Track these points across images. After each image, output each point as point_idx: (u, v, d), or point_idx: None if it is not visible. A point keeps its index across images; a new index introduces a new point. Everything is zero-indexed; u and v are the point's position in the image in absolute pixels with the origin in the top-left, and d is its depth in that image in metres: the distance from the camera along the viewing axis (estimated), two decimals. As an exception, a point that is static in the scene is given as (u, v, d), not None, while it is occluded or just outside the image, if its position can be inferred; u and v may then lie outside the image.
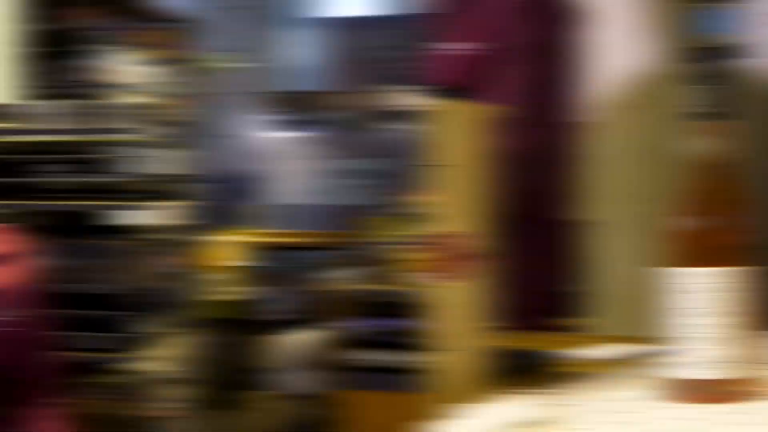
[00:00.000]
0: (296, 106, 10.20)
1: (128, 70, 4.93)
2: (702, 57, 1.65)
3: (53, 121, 3.90)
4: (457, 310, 1.90)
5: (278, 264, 10.38)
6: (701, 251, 1.21)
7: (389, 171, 10.76)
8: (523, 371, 1.78)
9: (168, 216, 4.05)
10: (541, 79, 1.96)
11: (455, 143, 1.88)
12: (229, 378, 7.67)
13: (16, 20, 4.35)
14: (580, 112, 1.92)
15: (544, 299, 1.99)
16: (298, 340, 7.87)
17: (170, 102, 5.58)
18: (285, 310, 8.49)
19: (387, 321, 4.99)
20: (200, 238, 7.25)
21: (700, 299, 1.21)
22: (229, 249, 8.95)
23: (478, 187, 1.88)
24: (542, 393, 1.31)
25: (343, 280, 5.88)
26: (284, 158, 9.00)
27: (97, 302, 3.97)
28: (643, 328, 1.42)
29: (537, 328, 1.95)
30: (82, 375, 4.32)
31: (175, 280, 4.36)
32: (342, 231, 9.18)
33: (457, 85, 1.97)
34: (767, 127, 1.82)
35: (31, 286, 2.16)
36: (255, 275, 8.39)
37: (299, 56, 11.06)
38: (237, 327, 7.85)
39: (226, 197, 11.33)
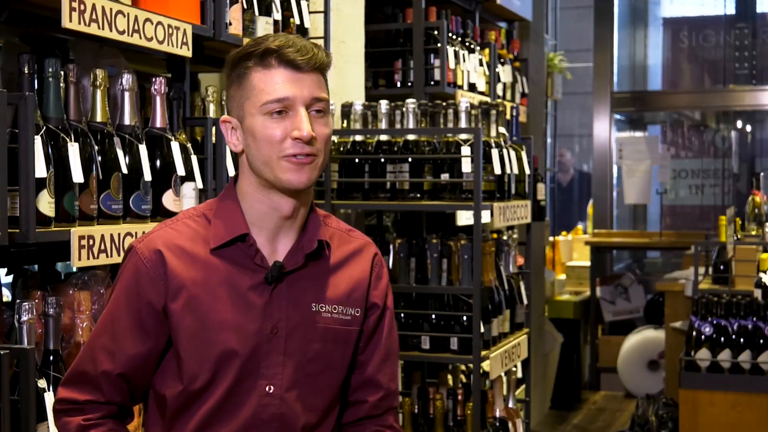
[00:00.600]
0: (640, 105, 9.90)
1: (470, 69, 4.97)
2: None
3: (397, 121, 3.98)
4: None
5: (622, 264, 10.12)
6: None
7: (734, 171, 10.18)
8: None
9: (509, 216, 4.01)
10: None
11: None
12: (571, 377, 7.57)
13: (361, 21, 4.51)
14: None
15: None
16: (641, 340, 7.63)
17: (511, 101, 5.57)
18: (627, 310, 8.25)
19: (734, 321, 4.69)
20: (543, 237, 7.22)
21: None
22: (572, 248, 8.84)
23: None
24: None
25: (689, 279, 5.66)
26: (627, 157, 8.76)
27: (440, 302, 4.00)
28: None
29: None
30: (426, 374, 4.39)
31: (517, 281, 4.33)
32: (686, 231, 8.81)
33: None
34: None
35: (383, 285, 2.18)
36: (598, 275, 8.25)
37: (641, 56, 10.77)
38: (579, 326, 7.74)
39: (569, 197, 11.22)
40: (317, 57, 1.95)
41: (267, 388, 1.98)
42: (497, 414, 4.08)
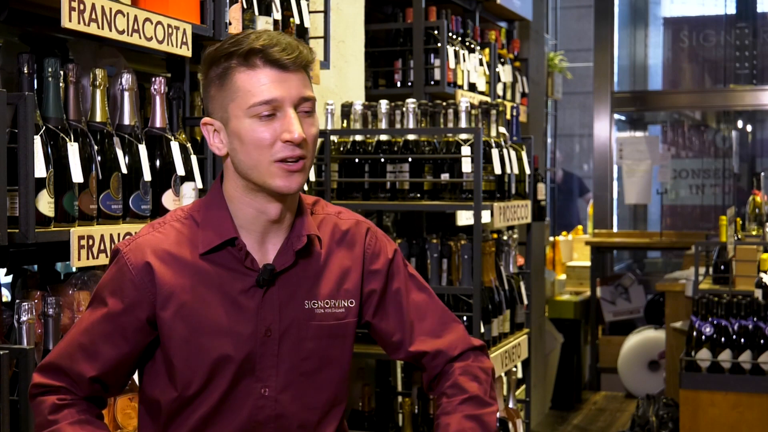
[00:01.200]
0: (639, 105, 9.89)
1: (470, 69, 4.97)
2: None
3: (397, 120, 3.97)
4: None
5: (622, 264, 10.12)
6: None
7: (734, 171, 10.17)
8: None
9: (510, 216, 4.01)
10: None
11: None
12: (572, 378, 7.57)
13: (361, 20, 4.51)
14: None
15: None
16: (641, 340, 7.62)
17: (511, 101, 5.57)
18: (628, 310, 8.25)
19: (735, 321, 4.69)
20: (543, 237, 7.21)
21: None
22: (572, 249, 8.83)
23: None
24: None
25: (689, 280, 5.65)
26: (627, 157, 8.76)
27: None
28: None
29: None
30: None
31: (518, 280, 4.32)
32: (687, 231, 8.80)
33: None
34: None
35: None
36: (598, 275, 8.24)
37: (641, 55, 10.76)
38: (579, 327, 7.74)
39: (569, 197, 11.22)
40: (302, 55, 1.89)
41: (262, 391, 1.96)
42: (497, 414, 4.07)
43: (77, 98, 2.42)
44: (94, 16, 2.36)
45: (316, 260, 2.01)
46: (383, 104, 3.96)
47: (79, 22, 2.32)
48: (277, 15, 3.23)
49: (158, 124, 2.65)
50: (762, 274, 5.02)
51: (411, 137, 3.95)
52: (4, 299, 2.53)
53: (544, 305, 7.28)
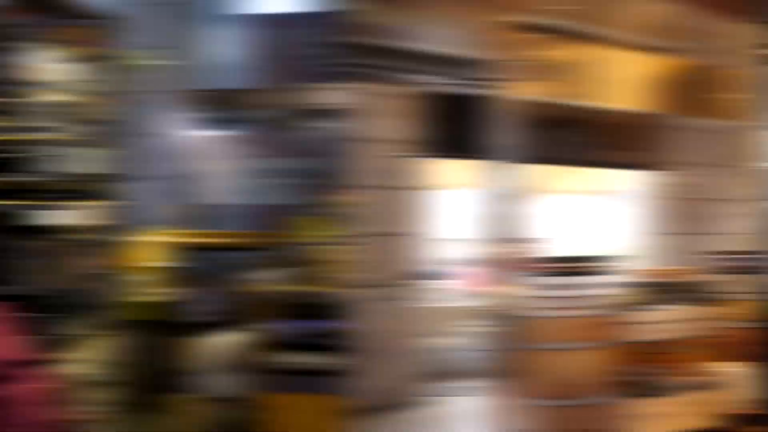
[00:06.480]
0: (219, 104, 10.09)
1: (49, 68, 4.85)
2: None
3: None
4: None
5: (202, 265, 10.26)
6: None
7: (313, 170, 10.71)
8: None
9: (90, 216, 3.98)
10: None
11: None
12: (151, 380, 7.56)
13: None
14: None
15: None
16: (221, 342, 7.78)
17: (92, 100, 5.49)
18: (208, 312, 8.39)
19: (309, 323, 4.93)
20: (122, 238, 7.14)
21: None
22: (152, 249, 8.83)
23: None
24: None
25: (267, 281, 5.80)
26: (207, 157, 8.90)
27: (19, 303, 3.89)
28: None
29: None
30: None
31: (97, 281, 4.29)
32: (266, 231, 9.10)
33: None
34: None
35: None
36: (178, 276, 8.28)
37: (222, 53, 10.94)
38: (160, 329, 7.74)
39: (148, 197, 11.20)
40: None
41: None
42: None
43: None
44: None
45: None
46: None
47: None
48: None
49: None
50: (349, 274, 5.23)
51: (-14, 136, 3.79)
52: None
53: (126, 307, 7.21)
